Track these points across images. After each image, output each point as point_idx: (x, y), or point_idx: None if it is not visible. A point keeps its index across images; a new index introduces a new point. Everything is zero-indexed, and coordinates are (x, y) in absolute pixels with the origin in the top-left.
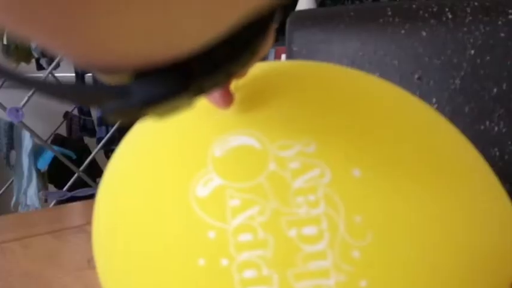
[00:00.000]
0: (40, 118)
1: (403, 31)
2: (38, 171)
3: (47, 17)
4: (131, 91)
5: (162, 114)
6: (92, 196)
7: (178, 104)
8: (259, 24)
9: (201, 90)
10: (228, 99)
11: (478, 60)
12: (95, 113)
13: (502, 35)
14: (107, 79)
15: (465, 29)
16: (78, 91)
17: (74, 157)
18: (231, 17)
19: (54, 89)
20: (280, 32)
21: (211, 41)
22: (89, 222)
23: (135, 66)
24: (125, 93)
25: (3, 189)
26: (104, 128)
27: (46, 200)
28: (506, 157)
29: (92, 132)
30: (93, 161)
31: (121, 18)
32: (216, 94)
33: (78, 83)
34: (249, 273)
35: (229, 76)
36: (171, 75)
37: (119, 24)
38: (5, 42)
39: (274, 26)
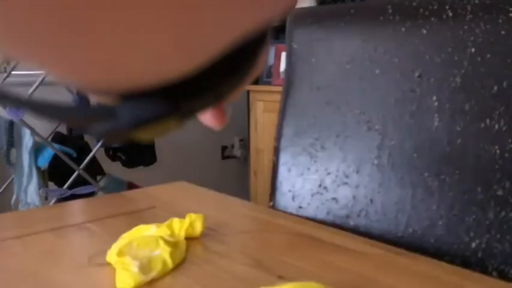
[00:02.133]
0: None
1: (403, 29)
2: (38, 169)
3: (36, 45)
4: (119, 113)
5: (152, 135)
6: (92, 194)
7: (168, 125)
8: (249, 47)
9: (191, 112)
10: (220, 119)
11: (479, 58)
12: None
13: (503, 32)
14: (96, 99)
15: (466, 26)
16: (66, 113)
17: (74, 155)
18: (220, 43)
19: (42, 109)
20: (281, 30)
21: (201, 66)
22: (89, 220)
23: (123, 89)
24: (112, 115)
25: (3, 187)
26: None
27: (46, 198)
28: (506, 155)
29: None
30: (93, 159)
31: (109, 46)
32: (208, 114)
33: (66, 104)
34: None
35: (220, 98)
36: (160, 97)
37: (107, 52)
38: None
39: (266, 48)
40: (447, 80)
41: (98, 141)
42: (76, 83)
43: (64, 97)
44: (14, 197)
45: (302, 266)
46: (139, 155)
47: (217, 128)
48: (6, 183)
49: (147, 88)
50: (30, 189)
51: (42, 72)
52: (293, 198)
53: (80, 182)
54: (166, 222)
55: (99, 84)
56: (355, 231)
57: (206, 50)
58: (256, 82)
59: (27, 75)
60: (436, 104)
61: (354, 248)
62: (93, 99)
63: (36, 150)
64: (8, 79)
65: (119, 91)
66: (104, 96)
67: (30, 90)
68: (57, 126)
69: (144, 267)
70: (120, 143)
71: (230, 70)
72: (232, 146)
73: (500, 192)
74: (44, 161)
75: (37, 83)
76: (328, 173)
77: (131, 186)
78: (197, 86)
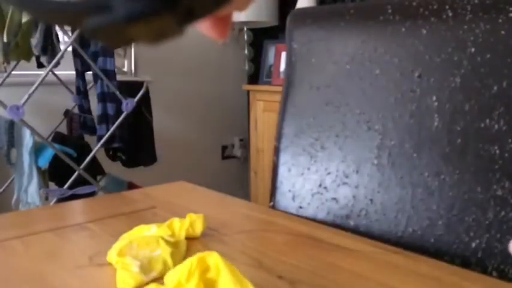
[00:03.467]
0: (40, 116)
1: (403, 29)
2: (38, 169)
3: None
4: (113, 5)
5: (149, 37)
6: (92, 194)
7: (166, 26)
8: None
9: (190, 14)
10: (222, 30)
11: (479, 58)
12: (95, 111)
13: (503, 32)
14: None
15: (465, 26)
16: (58, 7)
17: (75, 155)
18: None
19: (33, 6)
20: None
21: None
22: (89, 220)
23: None
24: (106, 8)
25: (4, 187)
26: (104, 126)
27: (47, 198)
28: (506, 155)
29: (92, 130)
30: (94, 158)
31: None
32: (209, 23)
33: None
34: None
35: (221, 0)
36: None
37: None
38: (5, 40)
39: None
40: (447, 80)
41: (98, 141)
42: None
43: (65, 97)
44: (15, 197)
45: (302, 265)
46: (139, 155)
47: (219, 40)
48: (7, 184)
49: None
50: (31, 189)
51: (44, 70)
52: (293, 198)
53: (80, 182)
54: (167, 222)
55: None
56: (355, 231)
57: None
58: (256, 82)
59: (27, 75)
60: (436, 104)
61: (354, 247)
62: None
63: (37, 150)
64: (8, 79)
65: None
66: None
67: (30, 90)
68: (57, 126)
69: (145, 268)
70: (114, 42)
71: None
72: (233, 146)
73: (500, 192)
74: (44, 161)
75: (37, 83)
76: (328, 173)
77: (131, 186)
78: None
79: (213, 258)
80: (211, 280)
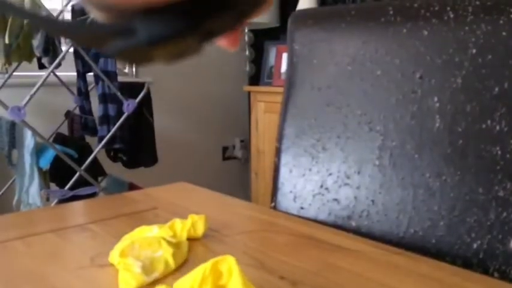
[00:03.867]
0: (42, 117)
1: (404, 30)
2: (39, 169)
3: None
4: (136, 29)
5: (170, 57)
6: (93, 195)
7: (186, 45)
8: None
9: (210, 33)
10: (234, 41)
11: (480, 59)
12: (96, 112)
13: (504, 34)
14: (109, 19)
15: (467, 28)
16: (83, 29)
17: (76, 156)
18: None
19: (59, 27)
20: (282, 31)
21: None
22: (91, 221)
23: (141, 4)
24: (130, 31)
25: (5, 187)
26: (105, 127)
27: (48, 199)
28: (507, 156)
29: (93, 131)
30: (95, 159)
31: None
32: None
33: (83, 21)
34: None
35: (241, 18)
36: (179, 14)
37: None
38: (7, 41)
39: None
40: (448, 81)
41: (100, 142)
42: None
43: (66, 98)
44: (16, 197)
45: (304, 266)
46: (140, 155)
47: (232, 50)
48: (8, 184)
49: (165, 4)
50: (32, 190)
51: (45, 71)
52: (294, 199)
53: (81, 182)
54: (168, 223)
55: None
56: (357, 232)
57: None
58: (257, 83)
59: (28, 77)
60: (437, 105)
61: (356, 248)
62: (109, 20)
63: (38, 151)
64: (9, 80)
65: (136, 6)
66: (121, 14)
67: (32, 91)
68: (58, 127)
69: (147, 268)
70: (137, 62)
71: None
72: (233, 147)
73: (501, 193)
74: (45, 162)
75: (38, 84)
76: (330, 174)
77: (132, 187)
78: (218, 4)
79: (228, 263)
80: (223, 287)
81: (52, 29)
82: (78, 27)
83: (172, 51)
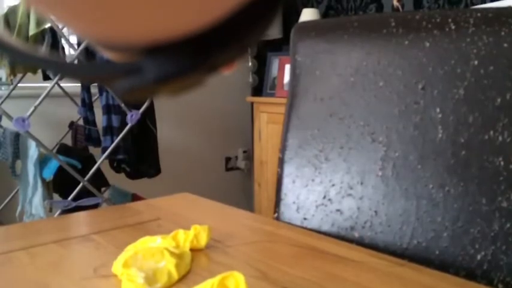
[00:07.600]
0: (46, 128)
1: (406, 41)
2: (43, 180)
3: (69, 3)
4: (143, 68)
5: (175, 92)
6: (96, 205)
7: (191, 81)
8: None
9: (216, 66)
10: (232, 67)
11: (482, 71)
12: (99, 123)
13: (505, 45)
14: (117, 58)
15: (468, 39)
16: (90, 69)
17: (79, 166)
18: None
19: (66, 68)
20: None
21: (225, 16)
22: (94, 231)
23: (146, 43)
24: (136, 71)
25: (8, 198)
26: (108, 137)
27: (51, 209)
28: (510, 166)
29: (97, 142)
30: (98, 170)
31: None
32: None
33: (90, 62)
34: None
35: (245, 49)
36: (185, 51)
37: (127, 4)
38: None
39: None
40: (451, 92)
41: (103, 152)
42: (98, 38)
43: (70, 109)
44: (19, 208)
45: (307, 277)
46: (143, 166)
47: (227, 73)
48: (12, 195)
49: (171, 42)
50: (35, 201)
51: (50, 82)
52: (297, 209)
53: (84, 193)
54: (172, 234)
55: (122, 39)
56: (360, 242)
57: None
58: (260, 94)
59: (33, 88)
60: (440, 115)
61: (359, 259)
62: (117, 58)
63: (41, 161)
64: (14, 91)
65: (142, 45)
66: (128, 53)
67: (36, 103)
68: (62, 138)
69: (150, 279)
70: (143, 98)
71: (254, 19)
72: (236, 158)
73: (505, 204)
74: (49, 173)
75: (43, 95)
76: (333, 185)
77: (136, 197)
78: (223, 38)
79: (235, 279)
80: None
81: (60, 70)
82: (85, 68)
83: (177, 86)
